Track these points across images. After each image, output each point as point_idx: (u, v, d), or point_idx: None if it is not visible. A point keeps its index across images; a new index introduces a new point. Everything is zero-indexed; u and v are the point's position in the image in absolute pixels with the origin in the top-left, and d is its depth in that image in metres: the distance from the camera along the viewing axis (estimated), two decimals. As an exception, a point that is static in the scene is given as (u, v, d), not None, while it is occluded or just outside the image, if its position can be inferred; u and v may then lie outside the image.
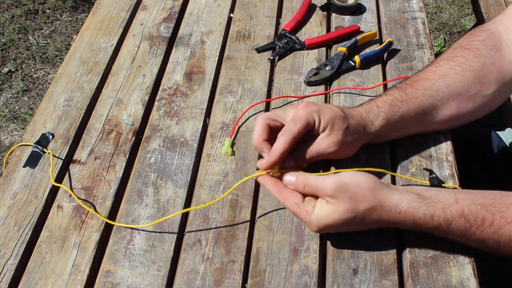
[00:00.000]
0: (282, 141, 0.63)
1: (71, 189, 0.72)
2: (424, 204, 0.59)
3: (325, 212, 0.59)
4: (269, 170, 0.64)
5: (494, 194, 0.61)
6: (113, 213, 0.70)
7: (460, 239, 0.60)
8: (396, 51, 0.91)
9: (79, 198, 0.71)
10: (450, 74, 0.73)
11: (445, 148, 0.75)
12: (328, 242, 0.66)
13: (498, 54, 0.73)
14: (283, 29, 0.95)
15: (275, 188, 0.62)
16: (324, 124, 0.65)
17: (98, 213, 0.69)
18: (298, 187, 0.61)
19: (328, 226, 0.59)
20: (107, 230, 0.69)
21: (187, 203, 0.72)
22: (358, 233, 0.65)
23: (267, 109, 0.85)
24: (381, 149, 0.75)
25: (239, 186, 0.72)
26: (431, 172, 0.71)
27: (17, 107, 1.79)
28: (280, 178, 0.64)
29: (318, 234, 0.66)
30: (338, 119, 0.65)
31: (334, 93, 0.85)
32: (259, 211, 0.70)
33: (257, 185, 0.73)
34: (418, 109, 0.70)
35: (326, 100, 0.86)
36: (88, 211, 0.70)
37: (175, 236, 0.67)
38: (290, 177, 0.62)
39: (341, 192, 0.58)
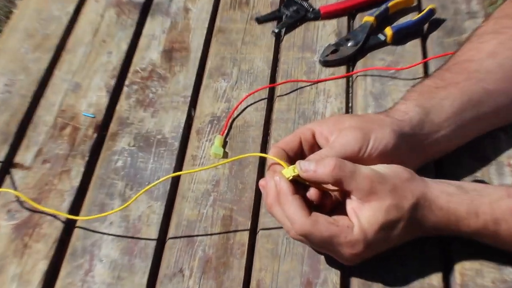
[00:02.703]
0: (271, 152, 0.66)
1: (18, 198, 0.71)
2: (467, 198, 0.61)
3: (366, 217, 0.59)
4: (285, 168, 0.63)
5: None
6: (66, 234, 0.69)
7: None
8: (440, 22, 0.91)
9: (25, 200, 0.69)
10: (501, 51, 0.73)
11: (506, 148, 0.75)
12: (353, 273, 0.65)
13: None
14: (291, -7, 0.96)
15: (300, 205, 0.60)
16: (328, 129, 0.66)
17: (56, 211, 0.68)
18: (325, 169, 0.60)
19: (376, 238, 0.59)
20: (58, 257, 0.67)
21: (166, 220, 0.70)
22: (393, 260, 0.65)
23: (270, 96, 0.83)
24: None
25: (234, 199, 0.71)
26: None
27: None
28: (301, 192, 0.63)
29: (337, 263, 0.64)
30: (344, 116, 0.70)
31: (358, 75, 0.84)
32: (260, 231, 0.69)
33: (257, 196, 0.72)
34: (465, 95, 0.71)
35: (348, 85, 0.84)
36: (32, 232, 0.69)
37: (149, 264, 0.66)
38: (307, 164, 0.61)
39: (380, 184, 0.59)
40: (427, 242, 0.65)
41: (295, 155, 0.65)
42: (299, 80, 0.84)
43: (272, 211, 0.62)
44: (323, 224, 0.59)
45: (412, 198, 0.60)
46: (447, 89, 0.70)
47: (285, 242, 0.67)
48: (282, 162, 0.63)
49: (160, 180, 0.69)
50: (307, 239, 0.60)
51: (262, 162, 0.76)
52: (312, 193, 0.62)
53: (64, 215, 0.69)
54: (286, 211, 0.60)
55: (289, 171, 0.62)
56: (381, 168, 0.62)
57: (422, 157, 0.69)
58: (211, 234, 0.68)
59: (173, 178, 0.73)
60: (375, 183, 0.59)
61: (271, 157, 0.64)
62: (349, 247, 0.59)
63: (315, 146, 0.66)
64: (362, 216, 0.59)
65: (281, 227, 0.67)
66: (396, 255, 0.64)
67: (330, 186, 0.62)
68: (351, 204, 0.60)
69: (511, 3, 0.77)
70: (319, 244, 0.60)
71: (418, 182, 0.61)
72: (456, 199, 0.61)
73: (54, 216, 0.70)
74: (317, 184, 0.62)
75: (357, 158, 0.63)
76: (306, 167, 0.61)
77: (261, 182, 0.64)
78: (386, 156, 0.64)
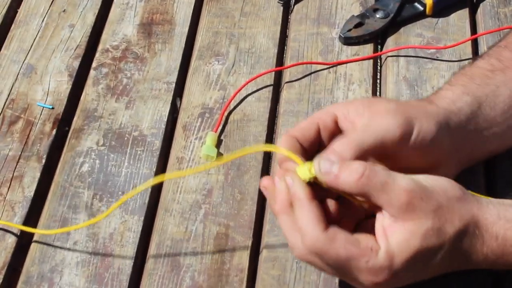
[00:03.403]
0: (282, 142, 0.65)
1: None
2: None
3: (397, 240, 0.59)
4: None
5: None
6: (19, 256, 0.70)
7: None
8: (494, -13, 0.91)
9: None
10: None
11: None
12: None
13: None
14: (304, -49, 0.95)
15: (316, 215, 0.60)
16: (355, 110, 0.66)
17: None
18: (350, 177, 0.59)
19: (405, 268, 0.59)
20: (8, 286, 0.68)
21: (144, 240, 0.71)
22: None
23: (277, 83, 0.84)
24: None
25: (231, 213, 0.72)
26: None
27: None
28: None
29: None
30: (376, 99, 0.68)
31: (389, 56, 0.85)
32: (264, 254, 0.69)
33: (260, 209, 0.73)
34: None
35: (376, 68, 0.85)
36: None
37: (123, 295, 0.67)
38: (329, 164, 0.60)
39: (421, 200, 0.59)
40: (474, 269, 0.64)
41: (311, 146, 0.65)
42: (314, 62, 0.84)
43: (279, 219, 0.62)
44: (340, 242, 0.59)
45: (459, 223, 0.59)
46: (506, 73, 0.71)
47: (295, 268, 0.68)
48: (295, 157, 0.62)
49: (142, 187, 0.70)
50: (319, 258, 0.60)
51: (267, 166, 0.76)
52: (333, 203, 0.62)
53: (18, 227, 0.70)
54: (298, 220, 0.60)
55: (305, 171, 0.61)
56: (425, 179, 0.61)
57: (467, 158, 0.69)
58: (201, 255, 0.69)
59: (153, 186, 0.74)
60: (415, 199, 0.59)
61: (282, 150, 0.63)
62: (370, 274, 0.59)
63: (337, 135, 0.66)
64: (392, 238, 0.59)
65: (285, 244, 0.67)
66: (433, 284, 0.63)
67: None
68: (381, 221, 0.60)
69: None
70: (334, 266, 0.60)
71: (471, 204, 0.61)
72: None
73: (4, 230, 0.70)
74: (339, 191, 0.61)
75: (395, 149, 0.63)
76: (327, 169, 0.60)
77: (264, 181, 0.63)
78: (423, 153, 0.64)
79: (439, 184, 0.61)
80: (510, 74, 0.71)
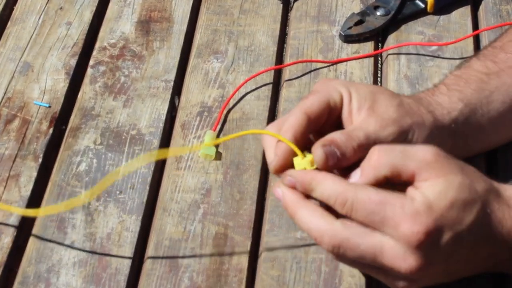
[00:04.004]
0: (292, 118, 0.65)
1: None
2: None
3: (432, 191, 0.58)
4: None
5: None
6: (15, 256, 0.70)
7: None
8: (496, -16, 0.92)
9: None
10: None
11: None
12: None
13: None
14: None
15: (337, 177, 0.61)
16: (358, 100, 0.66)
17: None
18: (370, 162, 0.61)
19: (446, 216, 0.58)
20: (4, 287, 0.68)
21: (142, 239, 0.71)
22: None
23: (276, 81, 0.84)
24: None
25: (230, 212, 0.72)
26: None
27: None
28: None
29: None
30: (380, 93, 0.68)
31: (390, 54, 0.85)
32: (263, 254, 0.69)
33: (259, 209, 0.73)
34: None
35: (376, 66, 0.85)
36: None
37: (120, 296, 0.67)
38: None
39: (446, 158, 0.60)
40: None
41: (319, 123, 0.65)
42: (314, 60, 0.84)
43: (298, 218, 0.61)
44: (371, 189, 0.59)
45: (484, 184, 0.60)
46: (500, 76, 0.71)
47: (295, 268, 0.68)
48: (295, 148, 0.62)
49: (145, 159, 0.70)
50: (352, 212, 0.59)
51: (266, 165, 0.75)
52: None
53: (16, 211, 0.70)
54: (325, 191, 0.60)
55: (304, 163, 0.61)
56: None
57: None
58: (200, 255, 0.69)
59: (151, 184, 0.75)
60: (440, 156, 0.59)
61: (283, 139, 0.63)
62: (408, 220, 0.57)
63: (335, 115, 0.66)
64: (428, 191, 0.58)
65: (289, 249, 0.68)
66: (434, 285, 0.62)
67: None
68: (413, 190, 0.60)
69: None
70: (366, 221, 0.59)
71: (487, 178, 0.62)
72: None
73: (3, 224, 0.70)
74: None
75: None
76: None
77: (277, 190, 0.63)
78: None
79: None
80: (504, 78, 0.71)
